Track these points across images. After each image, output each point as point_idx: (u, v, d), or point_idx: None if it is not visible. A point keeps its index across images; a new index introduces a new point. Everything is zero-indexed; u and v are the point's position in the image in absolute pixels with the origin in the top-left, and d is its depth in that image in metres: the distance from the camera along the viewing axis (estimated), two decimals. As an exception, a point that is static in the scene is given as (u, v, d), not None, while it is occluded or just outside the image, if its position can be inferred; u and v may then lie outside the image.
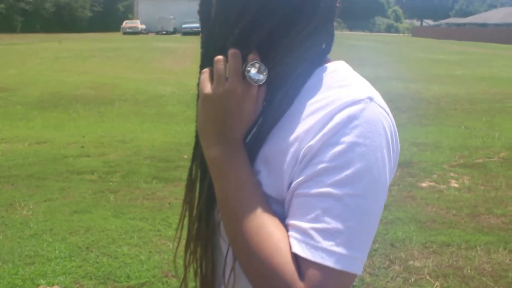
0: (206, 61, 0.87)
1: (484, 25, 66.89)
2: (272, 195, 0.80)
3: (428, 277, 3.34)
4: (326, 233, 0.72)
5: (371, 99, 0.78)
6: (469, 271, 3.43)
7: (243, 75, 0.80)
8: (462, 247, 3.79)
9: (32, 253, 3.56)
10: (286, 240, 0.74)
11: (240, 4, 0.80)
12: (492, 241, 3.92)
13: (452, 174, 5.76)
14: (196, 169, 0.93)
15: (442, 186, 5.29)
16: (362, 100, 0.77)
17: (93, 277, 3.24)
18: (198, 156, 0.92)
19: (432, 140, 7.38)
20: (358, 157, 0.73)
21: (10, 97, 10.63)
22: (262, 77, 0.80)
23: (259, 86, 0.81)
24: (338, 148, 0.74)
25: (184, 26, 50.93)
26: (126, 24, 54.02)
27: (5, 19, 50.25)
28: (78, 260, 3.45)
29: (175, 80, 13.55)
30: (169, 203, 4.63)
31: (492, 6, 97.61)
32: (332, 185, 0.73)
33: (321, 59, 0.87)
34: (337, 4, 0.84)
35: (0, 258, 3.47)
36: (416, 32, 73.66)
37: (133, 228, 4.02)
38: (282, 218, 0.78)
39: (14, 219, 4.18)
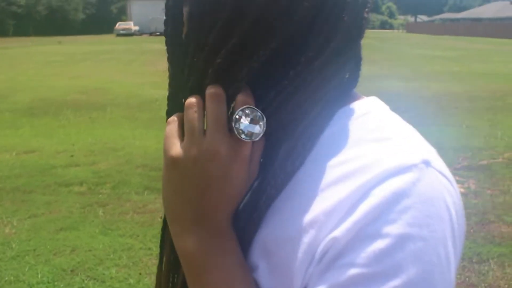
0: (175, 106, 0.60)
1: (478, 19, 66.74)
2: None
3: (440, 296, 3.10)
4: None
5: (427, 163, 0.51)
6: (483, 289, 3.19)
7: (230, 127, 0.53)
8: (474, 261, 3.54)
9: (12, 278, 3.29)
10: None
11: (224, 19, 0.53)
12: (505, 253, 3.67)
13: (457, 177, 5.49)
14: (165, 260, 0.65)
15: (448, 192, 5.04)
16: (415, 165, 0.50)
17: (77, 305, 2.99)
18: (168, 242, 0.64)
19: (434, 141, 7.02)
20: (412, 259, 0.47)
21: (-1, 104, 10.35)
22: (258, 130, 0.53)
23: (254, 142, 0.54)
24: (379, 244, 0.47)
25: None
26: (119, 25, 53.61)
27: (-4, 23, 49.87)
28: (62, 286, 3.19)
29: (169, 82, 13.16)
30: (161, 217, 4.36)
31: (486, 1, 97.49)
32: None
33: (344, 96, 0.60)
34: (365, 15, 0.57)
35: (-22, 285, 3.21)
36: (411, 28, 73.42)
37: (122, 246, 3.77)
38: None
39: (-4, 238, 3.92)
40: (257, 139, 0.53)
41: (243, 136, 0.53)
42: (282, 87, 0.54)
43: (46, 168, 5.87)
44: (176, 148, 0.55)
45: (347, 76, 0.60)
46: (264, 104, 0.55)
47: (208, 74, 0.55)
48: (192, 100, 0.55)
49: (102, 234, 4.01)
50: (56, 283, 3.23)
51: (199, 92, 0.55)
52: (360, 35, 0.57)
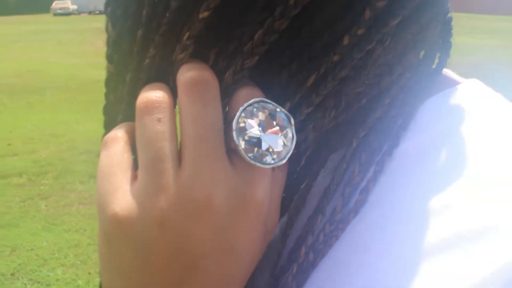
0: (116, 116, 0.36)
1: None
2: None
3: None
4: None
5: None
6: None
7: (229, 146, 0.29)
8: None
9: None
10: None
11: None
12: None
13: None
14: None
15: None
16: None
17: (19, 314, 2.70)
18: None
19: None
20: None
21: None
22: (284, 144, 0.28)
23: (276, 168, 0.30)
24: None
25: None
26: (56, 4, 51.43)
27: None
28: (1, 293, 2.89)
29: (111, 62, 12.66)
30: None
31: None
32: None
33: (432, 80, 0.35)
34: None
35: None
36: None
37: (68, 243, 3.46)
38: None
39: None
40: (283, 161, 0.29)
41: (257, 159, 0.28)
42: (327, 62, 0.30)
43: (-20, 159, 5.44)
44: (125, 199, 0.28)
45: (436, 50, 0.36)
46: (288, 95, 0.30)
47: (183, 42, 0.29)
48: (151, 95, 0.29)
49: (46, 230, 3.69)
50: (-6, 290, 2.92)
51: (163, 80, 0.31)
52: None
